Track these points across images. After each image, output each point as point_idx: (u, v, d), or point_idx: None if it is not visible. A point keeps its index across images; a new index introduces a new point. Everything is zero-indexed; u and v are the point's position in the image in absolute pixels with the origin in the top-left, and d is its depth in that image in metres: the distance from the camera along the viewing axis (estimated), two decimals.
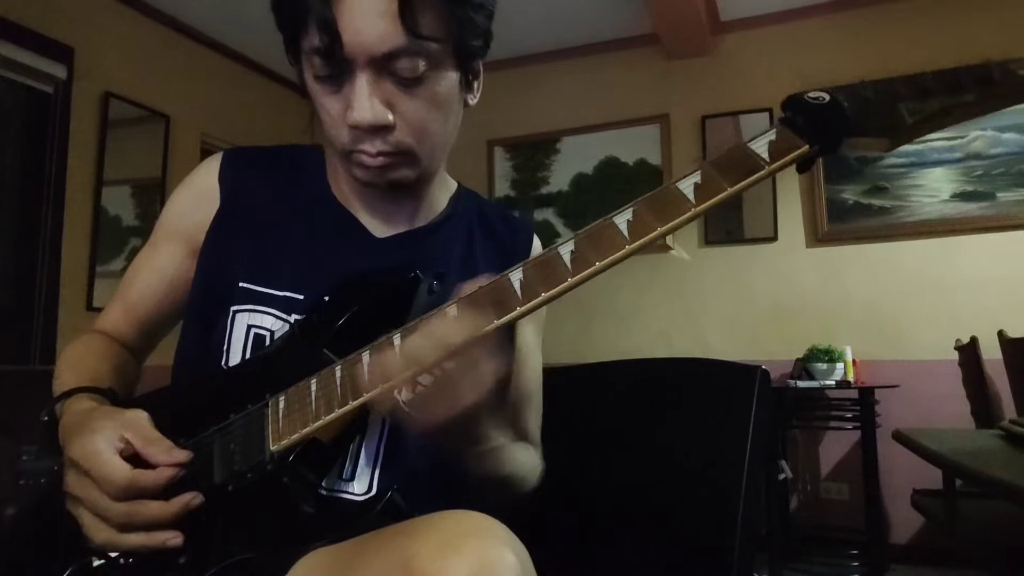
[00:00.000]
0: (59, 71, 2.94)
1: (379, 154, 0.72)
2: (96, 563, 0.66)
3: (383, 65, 0.69)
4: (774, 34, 3.66)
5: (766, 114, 3.53)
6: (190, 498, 0.63)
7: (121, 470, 0.62)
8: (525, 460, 0.81)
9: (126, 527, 0.63)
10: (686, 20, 3.44)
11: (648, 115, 3.83)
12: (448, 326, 0.60)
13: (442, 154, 0.81)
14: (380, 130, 0.71)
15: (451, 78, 0.74)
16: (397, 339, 0.63)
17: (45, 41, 2.88)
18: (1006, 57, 0.64)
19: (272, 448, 0.64)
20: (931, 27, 3.36)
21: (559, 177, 3.99)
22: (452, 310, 0.61)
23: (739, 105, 3.62)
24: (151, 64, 3.39)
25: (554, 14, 3.63)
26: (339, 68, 0.70)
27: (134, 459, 0.64)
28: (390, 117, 0.70)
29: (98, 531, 0.63)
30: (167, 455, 0.64)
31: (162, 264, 0.85)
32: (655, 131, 3.81)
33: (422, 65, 0.70)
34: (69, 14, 3.00)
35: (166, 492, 0.63)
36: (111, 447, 0.63)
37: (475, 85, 0.81)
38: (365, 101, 0.69)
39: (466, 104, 0.81)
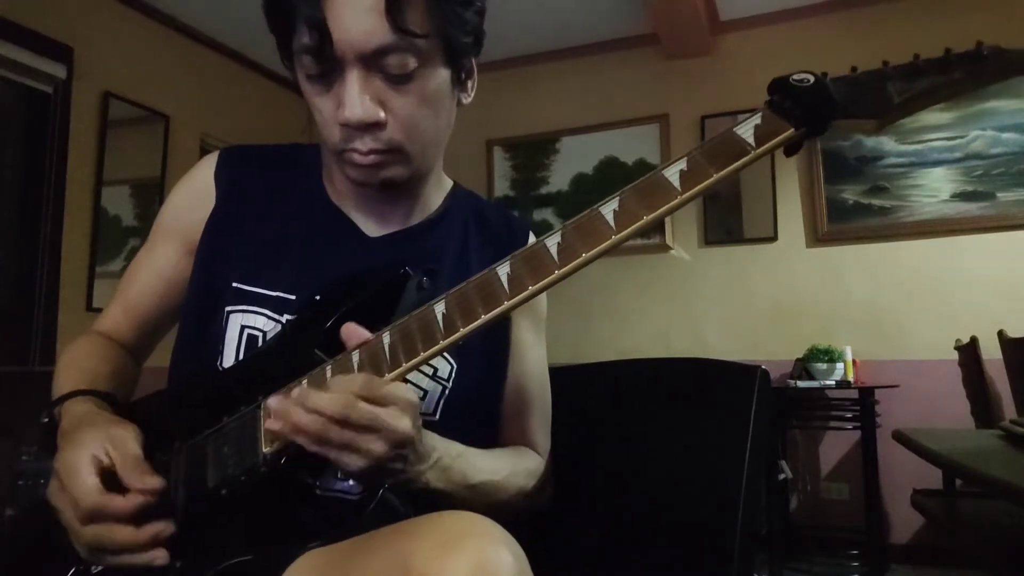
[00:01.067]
0: (59, 71, 2.93)
1: (371, 152, 0.72)
2: (95, 570, 0.66)
3: (373, 62, 0.69)
4: (773, 34, 3.66)
5: None
6: (161, 528, 0.62)
7: (89, 493, 0.61)
8: (500, 467, 0.78)
9: (96, 550, 0.62)
10: (685, 20, 3.44)
11: (647, 115, 3.82)
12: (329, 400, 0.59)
13: (435, 152, 0.81)
14: (371, 127, 0.71)
15: (442, 75, 0.74)
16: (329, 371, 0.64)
17: (45, 41, 2.88)
18: None
19: (265, 450, 0.64)
20: (930, 26, 3.35)
21: (558, 177, 3.98)
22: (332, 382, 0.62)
23: (739, 105, 3.61)
24: (151, 64, 3.39)
25: (553, 14, 3.63)
26: (329, 67, 0.70)
27: (113, 477, 0.63)
28: (381, 114, 0.70)
29: (78, 547, 0.63)
30: (140, 481, 0.63)
31: (160, 264, 0.85)
32: (654, 131, 3.81)
33: (412, 62, 0.70)
34: (68, 14, 2.99)
35: (141, 515, 0.63)
36: (89, 464, 0.62)
37: (469, 84, 0.81)
38: (355, 98, 0.69)
39: (460, 102, 0.80)
